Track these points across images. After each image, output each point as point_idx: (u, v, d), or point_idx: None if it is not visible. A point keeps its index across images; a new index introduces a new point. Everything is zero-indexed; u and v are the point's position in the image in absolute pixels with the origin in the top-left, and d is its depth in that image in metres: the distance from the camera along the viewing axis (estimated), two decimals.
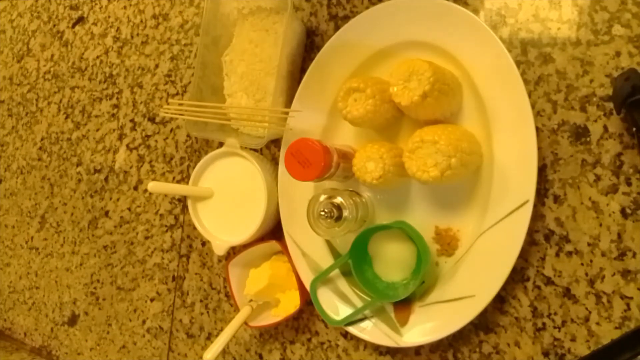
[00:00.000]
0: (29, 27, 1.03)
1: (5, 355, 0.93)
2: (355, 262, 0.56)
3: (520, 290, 0.51)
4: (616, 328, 0.47)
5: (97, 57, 0.90)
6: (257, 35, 0.67)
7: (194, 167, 0.68)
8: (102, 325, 0.84)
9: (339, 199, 0.54)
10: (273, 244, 0.64)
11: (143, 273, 0.79)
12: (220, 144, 0.67)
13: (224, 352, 0.70)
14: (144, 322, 0.79)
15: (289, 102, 0.64)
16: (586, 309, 0.48)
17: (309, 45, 0.66)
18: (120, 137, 0.84)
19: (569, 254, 0.49)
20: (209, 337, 0.72)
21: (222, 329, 0.62)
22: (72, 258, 0.89)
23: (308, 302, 0.61)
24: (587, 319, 0.48)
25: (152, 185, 0.64)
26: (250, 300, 0.64)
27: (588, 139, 0.49)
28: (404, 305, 0.55)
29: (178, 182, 0.77)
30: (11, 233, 0.99)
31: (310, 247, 0.61)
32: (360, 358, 0.60)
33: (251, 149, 0.66)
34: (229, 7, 0.69)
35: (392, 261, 0.56)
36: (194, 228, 0.68)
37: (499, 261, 0.49)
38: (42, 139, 0.96)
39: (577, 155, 0.49)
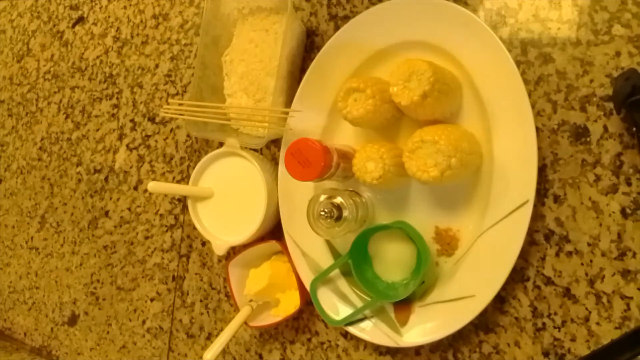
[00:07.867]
0: (29, 27, 1.03)
1: (5, 355, 0.93)
2: (355, 262, 0.56)
3: (520, 290, 0.51)
4: (616, 328, 0.47)
5: (97, 57, 0.90)
6: (257, 35, 0.67)
7: (194, 167, 0.68)
8: (102, 325, 0.84)
9: (339, 199, 0.54)
10: (273, 244, 0.64)
11: (143, 273, 0.79)
12: (220, 144, 0.67)
13: (224, 352, 0.70)
14: (144, 322, 0.79)
15: (289, 102, 0.64)
16: (586, 309, 0.48)
17: (309, 45, 0.66)
18: (120, 137, 0.84)
19: (569, 254, 0.49)
20: (209, 337, 0.72)
21: (222, 329, 0.62)
22: (72, 258, 0.89)
23: (308, 302, 0.61)
24: (587, 319, 0.48)
25: (152, 185, 0.64)
26: (250, 300, 0.64)
27: (588, 139, 0.49)
28: (404, 305, 0.55)
29: (178, 182, 0.77)
30: (11, 233, 0.99)
31: (310, 247, 0.61)
32: (360, 358, 0.60)
33: (251, 149, 0.66)
34: (229, 7, 0.69)
35: (392, 261, 0.56)
36: (194, 228, 0.68)
37: (499, 261, 0.49)
38: (42, 139, 0.96)
39: (577, 155, 0.49)
